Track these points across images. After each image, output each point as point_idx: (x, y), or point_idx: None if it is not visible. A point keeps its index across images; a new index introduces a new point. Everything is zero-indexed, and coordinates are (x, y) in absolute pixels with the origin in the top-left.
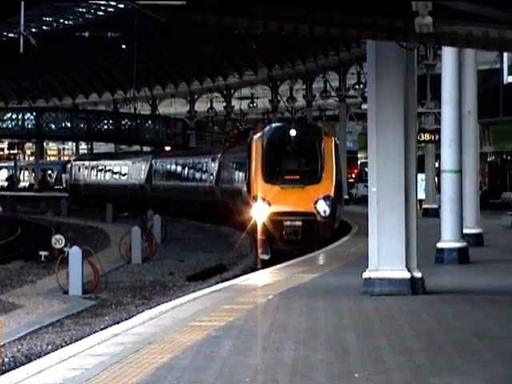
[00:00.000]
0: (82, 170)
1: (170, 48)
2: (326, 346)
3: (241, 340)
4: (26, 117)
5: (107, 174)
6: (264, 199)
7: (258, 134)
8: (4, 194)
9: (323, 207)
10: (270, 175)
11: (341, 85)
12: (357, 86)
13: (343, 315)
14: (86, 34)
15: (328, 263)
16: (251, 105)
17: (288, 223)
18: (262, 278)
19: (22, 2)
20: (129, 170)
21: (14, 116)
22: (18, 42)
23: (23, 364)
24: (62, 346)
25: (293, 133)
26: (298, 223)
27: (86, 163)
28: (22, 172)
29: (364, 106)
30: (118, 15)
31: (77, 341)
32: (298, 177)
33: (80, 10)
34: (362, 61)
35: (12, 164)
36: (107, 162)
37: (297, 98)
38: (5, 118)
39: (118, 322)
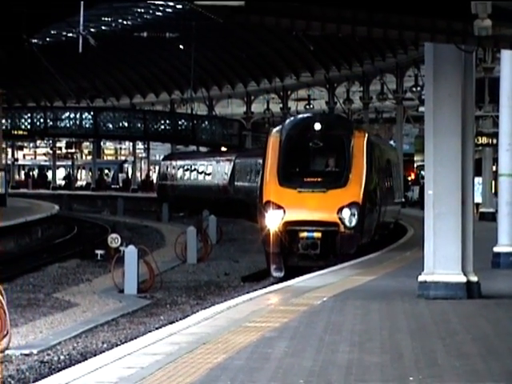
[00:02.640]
0: (169, 169)
1: (227, 49)
2: (380, 348)
3: (295, 341)
4: (83, 116)
5: (192, 174)
6: (277, 205)
7: (276, 128)
8: (61, 192)
9: (348, 216)
10: (286, 177)
11: (398, 87)
12: (414, 89)
13: (398, 318)
14: (145, 35)
15: (383, 266)
16: (308, 106)
17: (304, 234)
18: (317, 279)
19: (82, 3)
20: (213, 170)
21: (72, 115)
22: (77, 42)
23: (79, 362)
24: (117, 345)
25: (317, 126)
26: (317, 235)
27: (173, 163)
28: (79, 171)
29: (421, 109)
30: (176, 16)
31: (132, 340)
32: (319, 179)
33: (138, 10)
34: (419, 63)
35: (69, 163)
36: (192, 162)
37: (353, 100)
38: (63, 117)
39: (172, 322)
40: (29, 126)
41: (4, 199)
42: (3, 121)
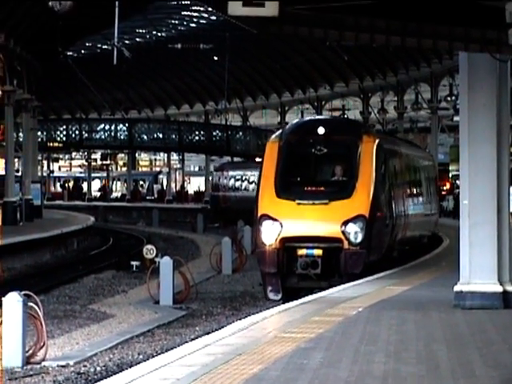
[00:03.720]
0: (221, 180)
1: (261, 60)
2: (416, 358)
3: (331, 352)
4: (118, 128)
5: (245, 184)
6: (274, 219)
7: (276, 133)
8: (97, 204)
9: (354, 231)
10: (285, 187)
11: (432, 96)
12: (449, 98)
13: (434, 328)
14: (179, 46)
15: (418, 276)
16: (342, 115)
17: (303, 252)
18: (352, 290)
19: (116, 15)
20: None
21: (107, 127)
22: (112, 54)
23: (115, 373)
24: (153, 356)
25: (321, 131)
26: (318, 252)
27: (226, 173)
28: (115, 182)
29: (456, 118)
30: (210, 27)
31: (168, 351)
32: (321, 189)
33: (173, 22)
34: (454, 72)
35: (105, 174)
36: (244, 172)
37: (388, 110)
38: (98, 128)
39: (208, 333)
40: (64, 138)
41: (40, 211)
42: (39, 133)
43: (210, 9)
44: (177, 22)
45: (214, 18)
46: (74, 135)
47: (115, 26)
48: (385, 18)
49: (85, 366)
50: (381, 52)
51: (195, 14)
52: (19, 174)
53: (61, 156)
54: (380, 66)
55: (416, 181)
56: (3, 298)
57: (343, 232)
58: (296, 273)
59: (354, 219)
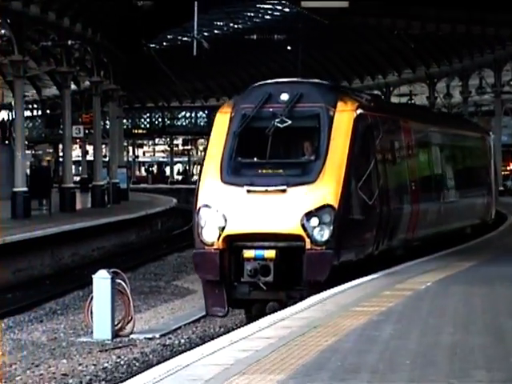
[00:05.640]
0: None
1: (332, 48)
2: (483, 330)
3: (401, 324)
4: (198, 115)
5: None
6: (216, 211)
7: (228, 102)
8: (179, 187)
9: (318, 226)
10: (233, 170)
11: (496, 81)
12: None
13: (500, 302)
14: (254, 37)
15: (484, 252)
16: (409, 101)
17: (251, 254)
18: (421, 266)
19: (196, 9)
20: None
21: (188, 114)
22: (192, 46)
23: (198, 345)
24: (233, 329)
25: (284, 97)
26: (270, 254)
27: None
28: (195, 166)
29: None
30: (284, 18)
31: (247, 324)
32: (278, 172)
33: (248, 14)
34: None
35: (186, 159)
36: None
37: (453, 95)
38: (179, 116)
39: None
40: (148, 125)
41: (126, 194)
42: (124, 121)
43: (283, 1)
44: (252, 14)
45: (287, 10)
46: (157, 122)
47: (195, 19)
48: (450, 8)
49: (170, 339)
50: (446, 39)
51: (270, 7)
52: (106, 159)
53: (145, 142)
54: (445, 53)
55: (437, 162)
56: (93, 276)
57: (304, 227)
58: (241, 281)
59: (318, 210)
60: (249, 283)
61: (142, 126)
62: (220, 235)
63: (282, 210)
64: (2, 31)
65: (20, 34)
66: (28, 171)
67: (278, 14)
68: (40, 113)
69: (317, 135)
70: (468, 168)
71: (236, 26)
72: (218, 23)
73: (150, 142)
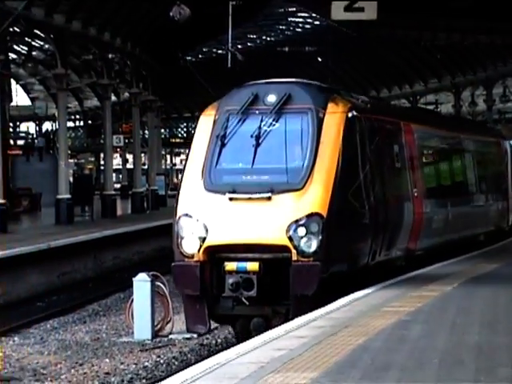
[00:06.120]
0: None
1: (360, 60)
2: (508, 330)
3: (429, 324)
4: None
5: None
6: (197, 221)
7: (212, 104)
8: None
9: (304, 236)
10: (215, 176)
11: None
12: None
13: None
14: (286, 49)
15: (506, 256)
16: (435, 110)
17: (232, 266)
18: (446, 268)
19: (230, 23)
20: None
21: None
22: (226, 58)
23: (234, 345)
24: (266, 329)
25: (271, 98)
26: (252, 266)
27: None
28: None
29: None
30: (314, 31)
31: (280, 324)
32: (263, 179)
33: (280, 27)
34: None
35: None
36: None
37: (478, 103)
38: None
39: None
40: (185, 134)
41: (164, 200)
42: (162, 130)
43: (314, 14)
44: (284, 27)
45: (317, 22)
46: (193, 131)
47: (229, 32)
48: (474, 19)
49: (207, 339)
50: (470, 50)
51: (301, 20)
52: (145, 167)
53: (182, 150)
54: (470, 63)
55: (444, 167)
56: (134, 279)
57: (290, 237)
58: (222, 295)
59: (305, 219)
60: (227, 298)
61: (179, 135)
62: (201, 246)
63: (267, 219)
64: (46, 46)
65: (63, 48)
66: (71, 179)
67: (308, 26)
68: (82, 123)
69: (305, 139)
70: (479, 173)
71: (268, 39)
72: (252, 36)
73: (187, 151)
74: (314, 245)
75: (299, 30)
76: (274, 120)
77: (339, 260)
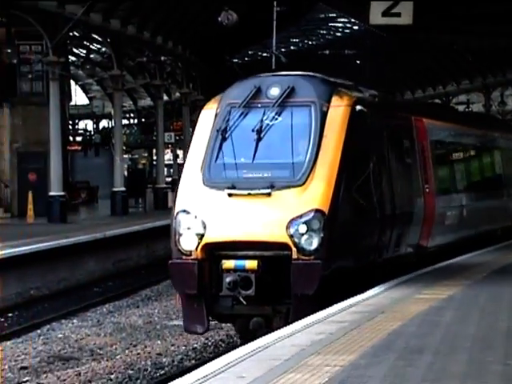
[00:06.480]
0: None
1: (396, 61)
2: None
3: (460, 311)
4: None
5: None
6: (195, 217)
7: (215, 98)
8: None
9: (305, 233)
10: (215, 171)
11: None
12: None
13: None
14: (327, 52)
15: None
16: (467, 109)
17: (230, 265)
18: (476, 258)
19: (274, 27)
20: None
21: None
22: (270, 60)
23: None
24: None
25: (274, 92)
26: (251, 264)
27: None
28: None
29: None
30: (353, 35)
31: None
32: (263, 175)
33: (321, 32)
34: None
35: None
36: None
37: (507, 103)
38: None
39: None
40: None
41: None
42: None
43: (353, 20)
44: (325, 31)
45: (356, 27)
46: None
47: (273, 36)
48: (507, 24)
49: None
50: (501, 53)
51: (340, 25)
52: None
53: None
54: (500, 65)
55: (457, 162)
56: None
57: (291, 235)
58: (220, 295)
59: (306, 216)
60: (224, 297)
61: None
62: (199, 243)
63: (267, 215)
64: (103, 49)
65: (119, 51)
66: (125, 173)
67: (347, 31)
68: (136, 121)
69: (307, 133)
70: (495, 168)
71: (310, 43)
72: (295, 40)
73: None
74: (315, 242)
75: (339, 34)
76: (276, 114)
77: (342, 258)
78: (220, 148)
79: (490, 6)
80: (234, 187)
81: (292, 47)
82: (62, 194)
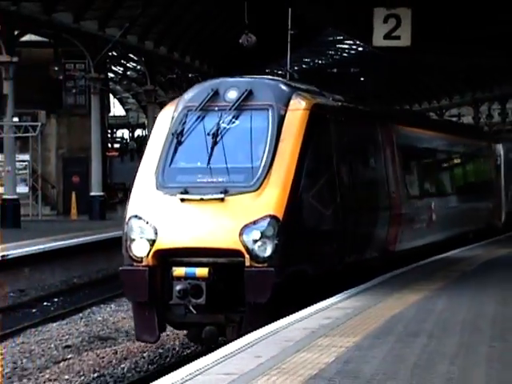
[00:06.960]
0: None
1: (396, 79)
2: None
3: (452, 299)
4: None
5: None
6: (146, 223)
7: (173, 100)
8: None
9: (259, 240)
10: (168, 176)
11: None
12: None
13: None
14: (335, 70)
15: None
16: (458, 121)
17: (181, 272)
18: (467, 252)
19: (288, 49)
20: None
21: None
22: (286, 77)
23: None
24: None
25: (231, 95)
26: (201, 272)
27: None
28: None
29: None
30: (357, 55)
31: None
32: (216, 180)
33: (330, 52)
34: None
35: None
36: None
37: (493, 116)
38: None
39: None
40: None
41: None
42: None
43: (358, 42)
44: (333, 52)
45: (360, 48)
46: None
47: (288, 56)
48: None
49: None
50: (489, 71)
51: (347, 46)
52: None
53: None
54: (488, 82)
55: (426, 167)
56: None
57: (244, 241)
58: (170, 303)
59: (260, 222)
60: (174, 306)
61: None
62: (150, 250)
63: (219, 221)
64: (138, 67)
65: (152, 69)
66: None
67: (353, 52)
68: None
69: (264, 137)
70: (467, 173)
71: (320, 62)
72: (306, 59)
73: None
74: (268, 249)
75: (345, 54)
76: (233, 117)
77: (298, 265)
78: (175, 152)
79: (475, 31)
80: (186, 192)
81: (304, 66)
82: (102, 194)
